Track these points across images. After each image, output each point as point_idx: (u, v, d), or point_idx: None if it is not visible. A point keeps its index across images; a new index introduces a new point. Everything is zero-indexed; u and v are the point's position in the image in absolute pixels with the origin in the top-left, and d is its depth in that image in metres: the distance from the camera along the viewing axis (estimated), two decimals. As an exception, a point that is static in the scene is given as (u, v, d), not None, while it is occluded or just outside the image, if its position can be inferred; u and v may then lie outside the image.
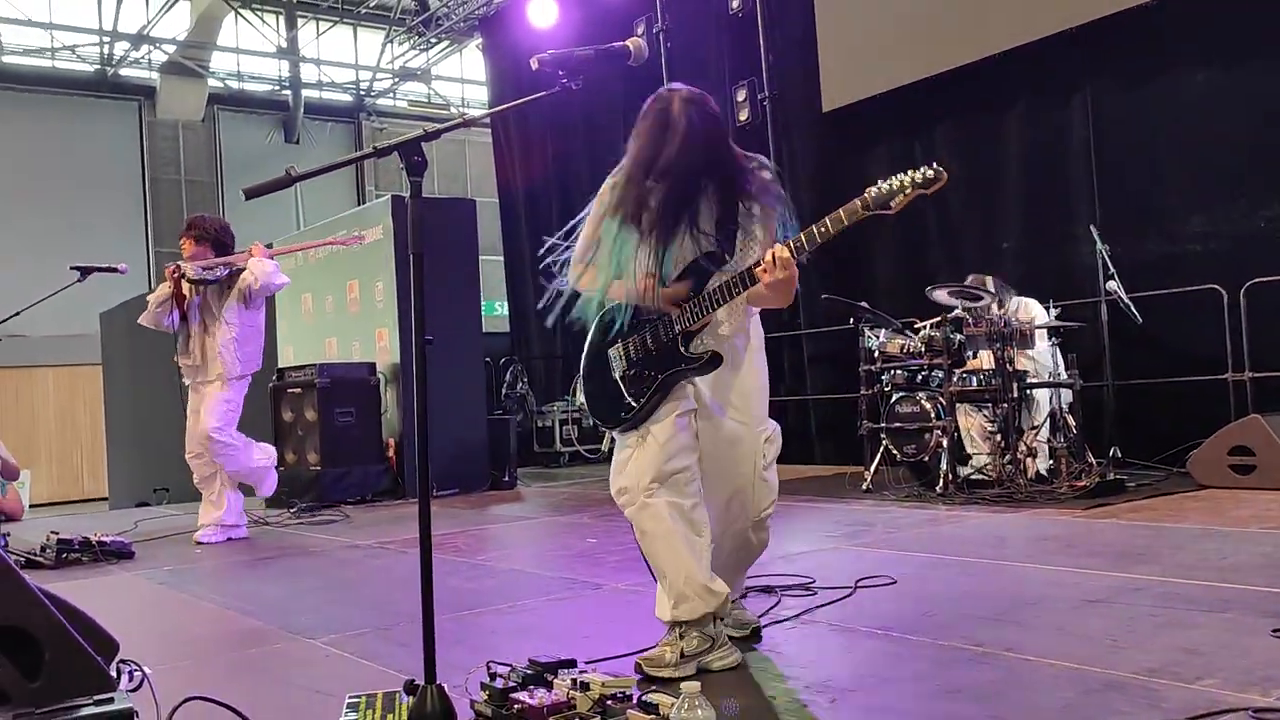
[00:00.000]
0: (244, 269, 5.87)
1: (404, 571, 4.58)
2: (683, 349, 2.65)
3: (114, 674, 2.27)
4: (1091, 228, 6.44)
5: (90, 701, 2.09)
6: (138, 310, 6.26)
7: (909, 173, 2.47)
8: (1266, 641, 2.61)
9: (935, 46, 7.84)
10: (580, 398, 2.84)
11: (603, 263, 2.70)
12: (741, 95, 9.40)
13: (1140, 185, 6.93)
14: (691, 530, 2.64)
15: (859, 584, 3.56)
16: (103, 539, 5.27)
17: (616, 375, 2.75)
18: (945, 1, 7.78)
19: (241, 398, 5.95)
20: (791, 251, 2.47)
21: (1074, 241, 7.01)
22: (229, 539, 5.88)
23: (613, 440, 2.80)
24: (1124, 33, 6.86)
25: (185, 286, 5.87)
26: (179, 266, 5.86)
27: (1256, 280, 6.18)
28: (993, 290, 6.24)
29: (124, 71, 18.62)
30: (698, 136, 2.49)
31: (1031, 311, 6.38)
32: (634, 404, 2.68)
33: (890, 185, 2.47)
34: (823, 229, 2.48)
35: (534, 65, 2.17)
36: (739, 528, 2.81)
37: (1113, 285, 6.19)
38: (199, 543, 5.79)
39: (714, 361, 2.65)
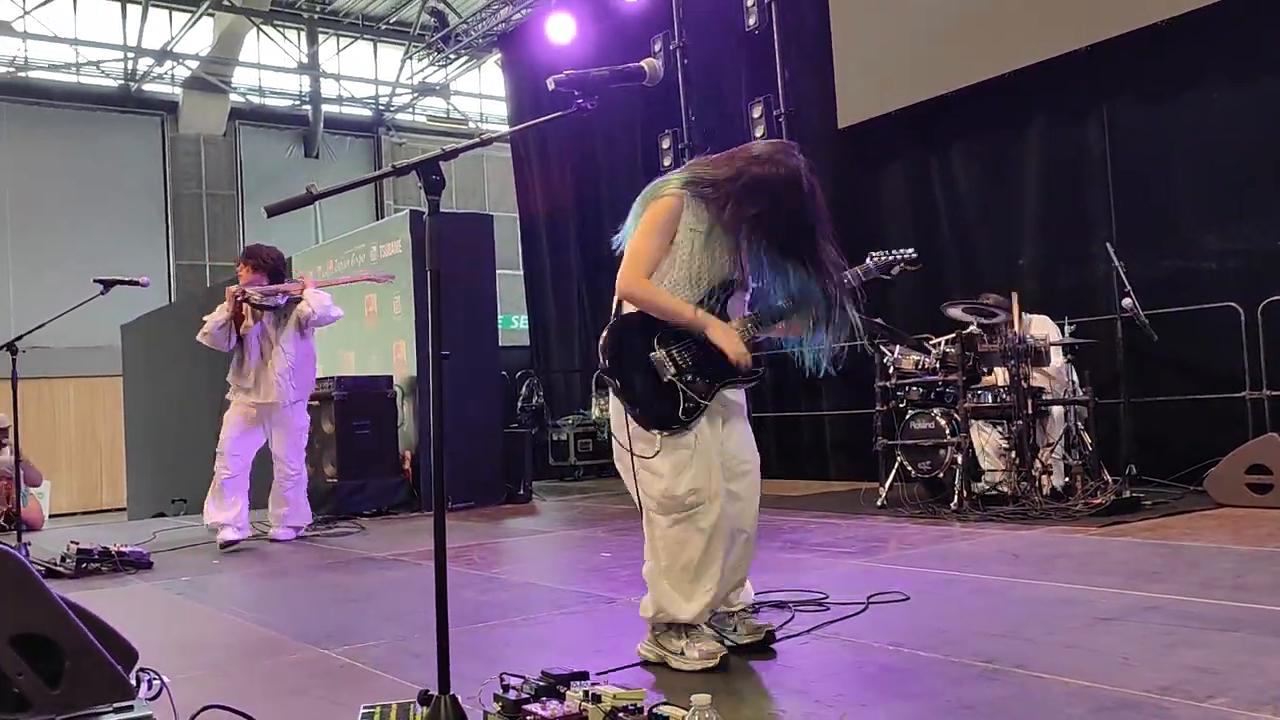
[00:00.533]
0: (300, 299, 6.16)
1: (419, 583, 4.61)
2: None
3: (133, 682, 2.31)
4: (1108, 245, 6.43)
5: (110, 709, 2.13)
6: (158, 322, 6.44)
7: (901, 251, 3.27)
8: (1279, 661, 2.60)
9: (951, 63, 7.86)
10: (608, 404, 2.94)
11: (688, 270, 2.88)
12: (757, 111, 9.43)
13: (1157, 202, 6.92)
14: None
15: (870, 600, 3.57)
16: (121, 549, 5.33)
17: (669, 377, 2.84)
18: (961, 18, 7.80)
19: (307, 421, 6.44)
20: None
21: (1090, 258, 7.00)
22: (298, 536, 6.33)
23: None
24: (1140, 50, 6.87)
25: (246, 310, 6.14)
26: (243, 290, 6.09)
27: (1274, 298, 6.16)
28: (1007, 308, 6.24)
29: (147, 87, 18.83)
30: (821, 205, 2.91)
31: (1045, 328, 6.38)
32: (697, 404, 2.83)
33: (890, 256, 3.21)
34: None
35: (550, 86, 2.21)
36: (753, 511, 2.99)
37: (1128, 302, 6.17)
38: (275, 540, 6.25)
39: (761, 376, 2.95)
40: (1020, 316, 6.29)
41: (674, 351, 2.85)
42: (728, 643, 2.96)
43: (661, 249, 2.87)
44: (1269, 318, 6.19)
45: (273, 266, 6.24)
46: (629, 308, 2.91)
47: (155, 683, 2.41)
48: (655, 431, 2.83)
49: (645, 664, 2.88)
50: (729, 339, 2.83)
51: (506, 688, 2.36)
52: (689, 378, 2.84)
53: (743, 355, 2.83)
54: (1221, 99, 6.63)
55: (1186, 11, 6.50)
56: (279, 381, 6.10)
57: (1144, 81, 7.01)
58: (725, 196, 2.81)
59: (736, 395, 3.00)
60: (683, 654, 2.81)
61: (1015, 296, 6.24)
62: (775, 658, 2.94)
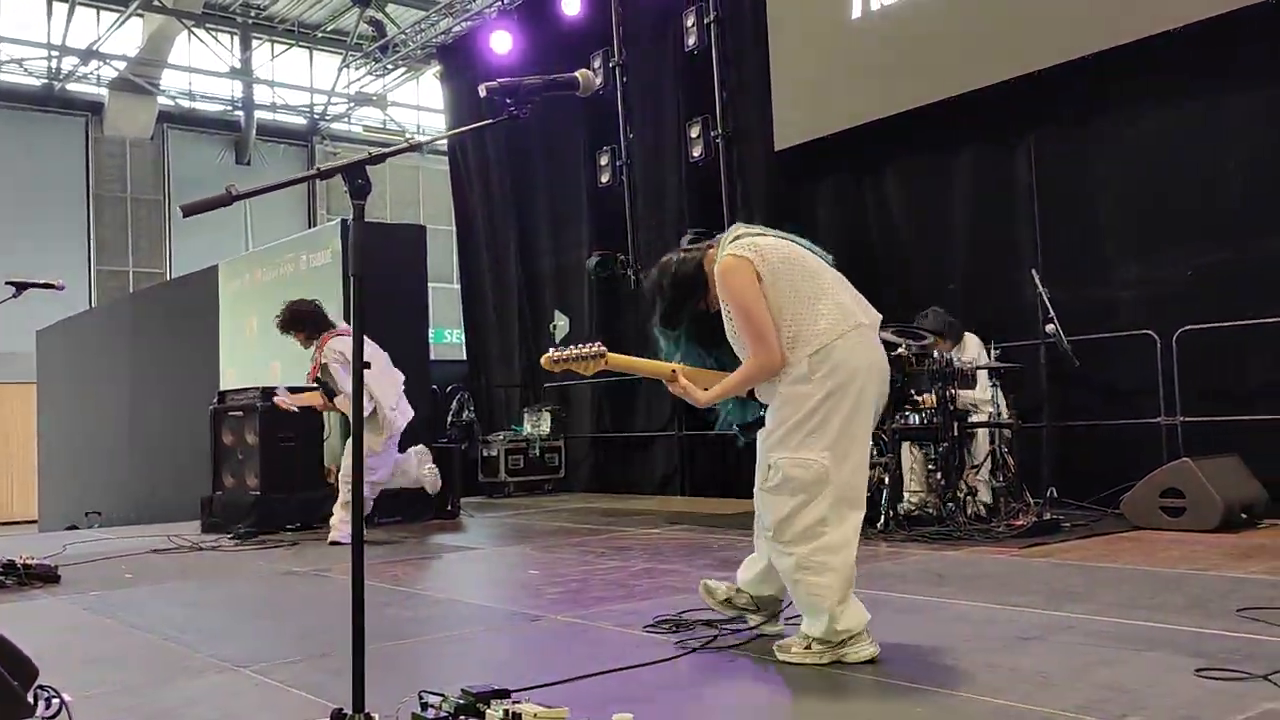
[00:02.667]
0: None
1: (339, 599, 4.49)
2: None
3: (31, 700, 2.21)
4: (1033, 271, 6.58)
5: (3, 728, 2.03)
6: (76, 328, 6.29)
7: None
8: (1191, 680, 2.66)
9: (885, 90, 8.00)
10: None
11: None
12: (695, 132, 9.49)
13: (1080, 231, 7.11)
14: None
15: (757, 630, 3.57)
16: (28, 561, 5.13)
17: None
18: (896, 46, 7.95)
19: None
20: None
21: (1016, 284, 7.16)
22: None
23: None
24: (1067, 82, 7.06)
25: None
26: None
27: (1188, 327, 6.36)
28: (943, 328, 6.37)
29: (72, 86, 18.35)
30: None
31: (973, 350, 6.49)
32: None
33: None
34: None
35: (482, 93, 2.18)
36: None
37: (1052, 328, 6.32)
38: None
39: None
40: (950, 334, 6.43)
41: None
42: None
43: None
44: (1183, 346, 6.39)
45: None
46: None
47: (55, 701, 2.31)
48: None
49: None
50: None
51: (425, 705, 2.30)
52: None
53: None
54: (1141, 132, 6.84)
55: (1111, 47, 6.70)
56: None
57: (1069, 113, 7.21)
58: None
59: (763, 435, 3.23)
60: None
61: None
62: (699, 676, 2.92)
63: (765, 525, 3.08)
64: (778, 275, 3.05)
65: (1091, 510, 6.38)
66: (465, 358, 12.81)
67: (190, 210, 1.89)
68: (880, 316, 3.20)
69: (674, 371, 3.16)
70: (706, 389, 3.19)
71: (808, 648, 2.99)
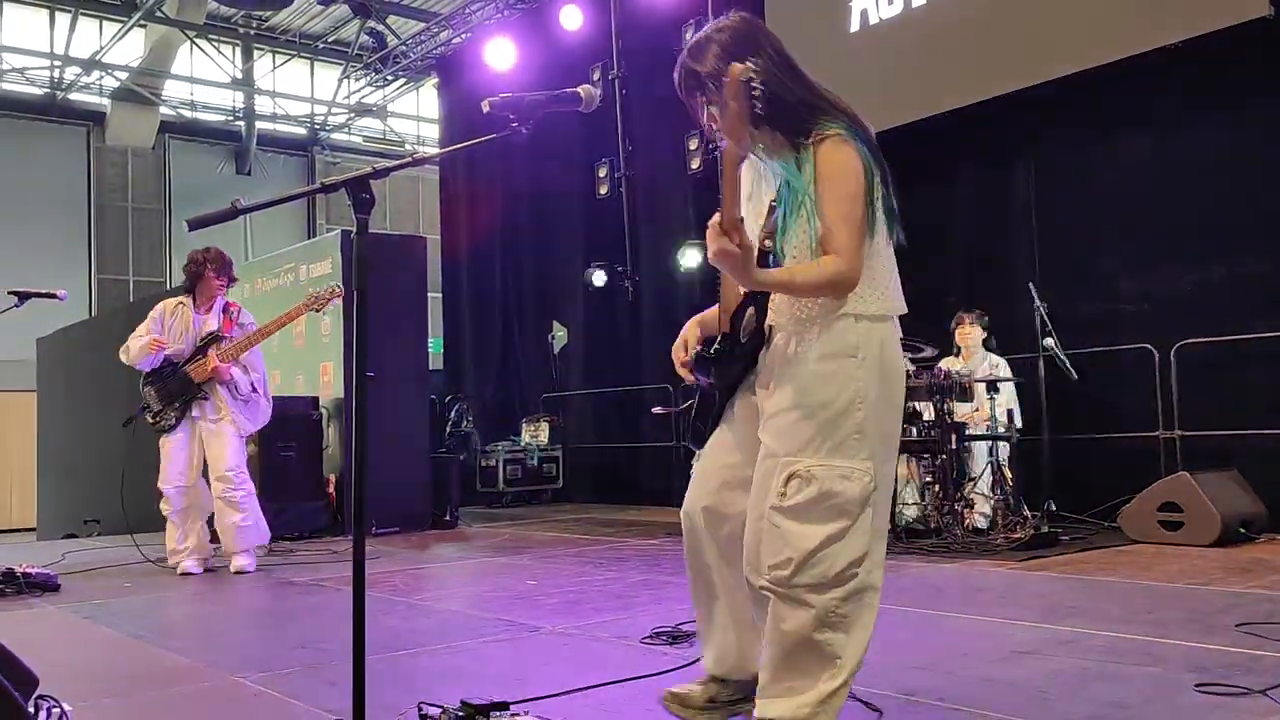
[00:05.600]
0: None
1: (338, 609, 4.51)
2: None
3: (32, 710, 2.22)
4: (1031, 285, 6.60)
5: (5, 738, 2.03)
6: (77, 337, 6.29)
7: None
8: (1190, 696, 2.66)
9: (884, 103, 8.01)
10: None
11: None
12: (694, 144, 9.53)
13: (1078, 246, 7.14)
14: None
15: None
16: (28, 570, 5.13)
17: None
18: (894, 60, 7.98)
19: None
20: None
21: (1014, 299, 7.16)
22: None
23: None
24: (1066, 98, 7.09)
25: None
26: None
27: (1186, 341, 6.38)
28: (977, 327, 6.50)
29: (74, 96, 18.38)
30: None
31: (978, 364, 6.54)
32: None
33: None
34: None
35: (485, 108, 2.19)
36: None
37: (1050, 342, 6.33)
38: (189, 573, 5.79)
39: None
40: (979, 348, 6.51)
41: None
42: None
43: None
44: (1182, 360, 6.40)
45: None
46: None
47: (55, 711, 2.32)
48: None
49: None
50: None
51: (425, 717, 2.31)
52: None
53: None
54: (1141, 148, 6.87)
55: (1111, 62, 6.73)
56: None
57: (1069, 129, 7.24)
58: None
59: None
60: None
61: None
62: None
63: (771, 562, 2.06)
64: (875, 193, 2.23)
65: (1089, 524, 6.38)
66: (443, 367, 12.70)
67: (196, 224, 1.91)
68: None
69: (740, 220, 2.02)
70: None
71: None
